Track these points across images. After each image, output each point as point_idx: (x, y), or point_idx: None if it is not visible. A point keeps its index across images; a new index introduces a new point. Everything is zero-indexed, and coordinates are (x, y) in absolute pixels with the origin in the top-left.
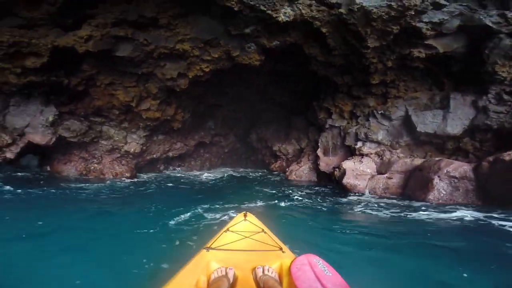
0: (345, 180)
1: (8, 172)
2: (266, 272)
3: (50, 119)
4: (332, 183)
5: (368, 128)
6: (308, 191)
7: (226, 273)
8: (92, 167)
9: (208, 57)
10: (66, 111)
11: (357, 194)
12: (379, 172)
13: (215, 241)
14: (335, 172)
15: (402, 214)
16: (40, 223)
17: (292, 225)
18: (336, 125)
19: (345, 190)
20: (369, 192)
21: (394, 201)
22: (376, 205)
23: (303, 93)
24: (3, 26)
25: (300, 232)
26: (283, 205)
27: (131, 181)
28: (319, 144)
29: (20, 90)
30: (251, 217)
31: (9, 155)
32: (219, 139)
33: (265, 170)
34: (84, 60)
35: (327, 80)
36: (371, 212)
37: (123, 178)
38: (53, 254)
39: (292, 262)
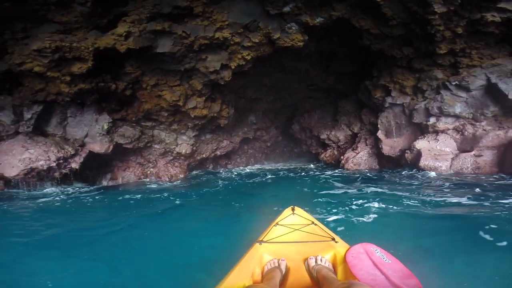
0: (422, 162)
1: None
2: (319, 262)
3: (105, 127)
4: (401, 167)
5: (442, 102)
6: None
7: (279, 264)
8: (149, 171)
9: (248, 43)
10: (119, 118)
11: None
12: (462, 150)
13: (266, 235)
14: (407, 154)
15: None
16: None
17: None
18: (398, 102)
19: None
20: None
21: (498, 181)
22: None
23: (350, 74)
24: (41, 33)
25: None
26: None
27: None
28: (378, 126)
29: (73, 100)
30: (299, 210)
31: (74, 165)
32: (261, 133)
33: (315, 162)
34: (127, 62)
35: (382, 55)
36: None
37: (178, 180)
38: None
39: (347, 251)
